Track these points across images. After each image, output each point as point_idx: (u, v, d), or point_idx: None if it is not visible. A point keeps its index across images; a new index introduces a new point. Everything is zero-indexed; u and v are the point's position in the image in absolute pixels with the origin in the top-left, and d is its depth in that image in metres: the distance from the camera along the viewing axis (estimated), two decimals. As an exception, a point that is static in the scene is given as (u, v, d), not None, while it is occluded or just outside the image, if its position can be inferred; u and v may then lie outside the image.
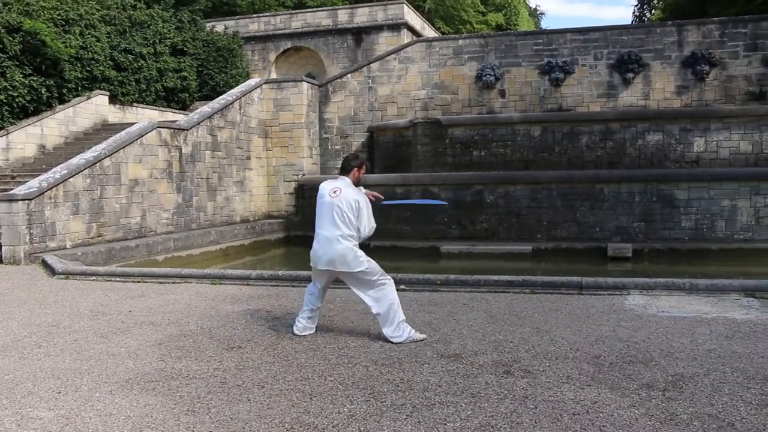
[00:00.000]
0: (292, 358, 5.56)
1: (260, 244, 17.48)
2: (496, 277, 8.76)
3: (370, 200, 6.36)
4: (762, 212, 13.63)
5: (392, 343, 5.97)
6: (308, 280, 9.28)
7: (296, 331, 6.35)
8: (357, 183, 6.40)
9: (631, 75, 18.88)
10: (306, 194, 18.72)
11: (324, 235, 6.19)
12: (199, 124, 16.18)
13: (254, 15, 32.53)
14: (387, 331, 6.04)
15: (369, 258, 6.26)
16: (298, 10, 32.74)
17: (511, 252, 13.86)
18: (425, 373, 5.11)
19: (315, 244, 6.31)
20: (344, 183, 6.28)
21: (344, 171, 6.44)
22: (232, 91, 18.86)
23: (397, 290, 8.56)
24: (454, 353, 5.64)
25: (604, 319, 6.85)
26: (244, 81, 21.48)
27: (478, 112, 19.48)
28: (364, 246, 15.94)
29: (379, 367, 5.26)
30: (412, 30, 30.04)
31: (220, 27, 28.58)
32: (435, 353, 5.65)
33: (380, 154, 19.40)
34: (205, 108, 17.13)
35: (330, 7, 32.24)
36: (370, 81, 20.51)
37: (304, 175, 19.09)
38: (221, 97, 18.22)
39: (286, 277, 9.62)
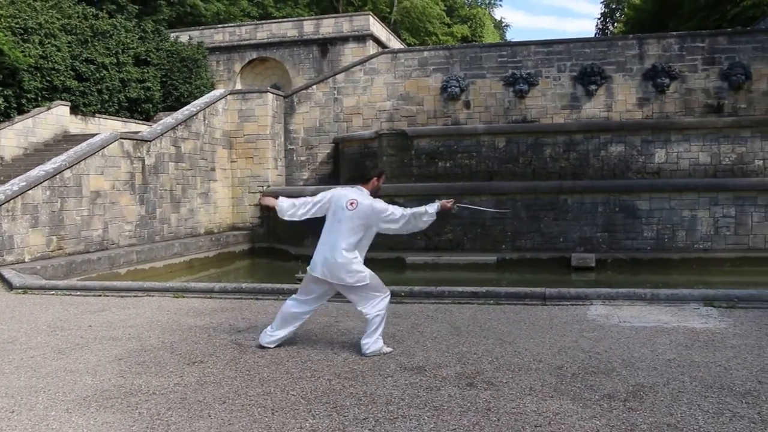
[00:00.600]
0: (254, 372, 5.50)
1: (225, 256, 17.33)
2: (460, 289, 8.78)
3: (447, 209, 6.22)
4: (720, 222, 13.87)
5: (361, 353, 5.96)
6: (272, 292, 9.25)
7: (263, 343, 6.30)
8: (375, 192, 6.38)
9: (593, 87, 19.14)
10: (271, 205, 18.58)
11: (330, 243, 6.13)
12: (162, 135, 16.03)
13: (219, 25, 32.35)
14: (364, 340, 6.03)
15: (372, 273, 6.21)
16: (263, 21, 32.62)
17: (476, 263, 13.91)
18: (388, 386, 5.09)
19: (319, 251, 6.25)
20: (362, 194, 6.22)
21: (364, 180, 6.41)
22: (196, 101, 18.72)
23: (362, 302, 8.57)
24: (417, 366, 5.63)
25: (567, 329, 6.90)
26: (209, 92, 21.36)
27: (444, 124, 19.58)
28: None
29: (342, 381, 5.23)
30: (377, 41, 30.12)
31: (184, 37, 28.36)
32: (398, 366, 5.63)
33: (346, 165, 19.38)
34: (169, 119, 16.97)
35: (296, 18, 32.19)
36: (335, 92, 20.50)
37: (269, 186, 18.99)
38: (185, 107, 18.07)
39: (249, 289, 9.54)
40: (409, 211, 6.15)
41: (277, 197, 6.59)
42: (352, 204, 6.11)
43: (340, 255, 6.03)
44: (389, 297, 6.27)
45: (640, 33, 24.04)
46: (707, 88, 18.71)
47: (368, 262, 15.39)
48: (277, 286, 9.57)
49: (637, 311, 7.80)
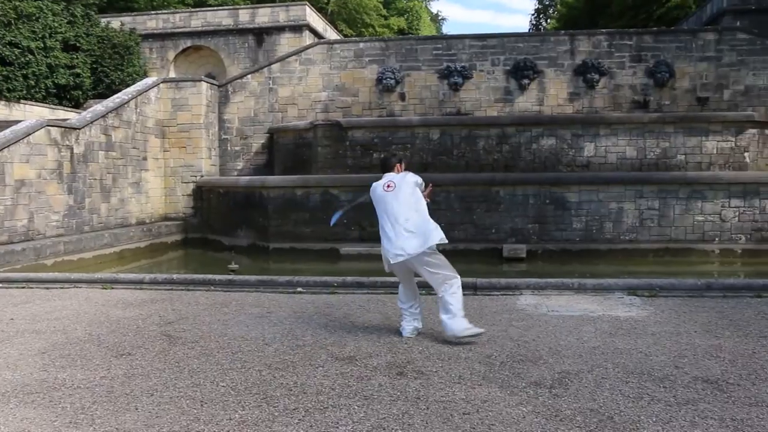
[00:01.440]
0: (183, 364, 5.45)
1: (157, 247, 17.03)
2: (392, 279, 8.82)
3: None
4: (645, 214, 14.32)
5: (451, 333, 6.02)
6: (204, 283, 9.16)
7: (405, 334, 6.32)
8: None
9: (526, 81, 19.46)
10: (205, 196, 18.38)
11: (391, 227, 6.17)
12: (92, 123, 15.60)
13: (152, 12, 31.66)
14: (445, 319, 6.08)
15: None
16: (198, 9, 32.07)
17: (410, 253, 14.00)
18: (319, 376, 5.11)
19: (385, 241, 6.26)
20: (393, 176, 6.39)
21: (387, 168, 6.55)
22: (128, 89, 18.28)
23: (294, 293, 8.60)
24: (348, 355, 5.67)
25: (497, 318, 7.04)
26: (142, 79, 20.88)
27: (379, 115, 19.62)
28: (264, 248, 15.77)
29: (273, 371, 5.23)
30: (314, 32, 29.96)
31: (116, 23, 27.65)
32: (329, 356, 5.66)
33: (280, 155, 19.26)
34: (99, 107, 16.53)
35: (231, 7, 31.72)
36: (270, 82, 20.32)
37: (202, 176, 18.73)
38: (116, 95, 17.62)
39: (181, 280, 9.41)
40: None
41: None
42: (389, 186, 6.27)
43: (405, 228, 6.09)
44: (459, 281, 6.29)
45: (571, 29, 24.58)
46: (634, 85, 19.26)
47: (302, 253, 15.35)
48: (209, 276, 9.47)
49: (564, 300, 8.01)
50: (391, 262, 6.17)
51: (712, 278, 9.67)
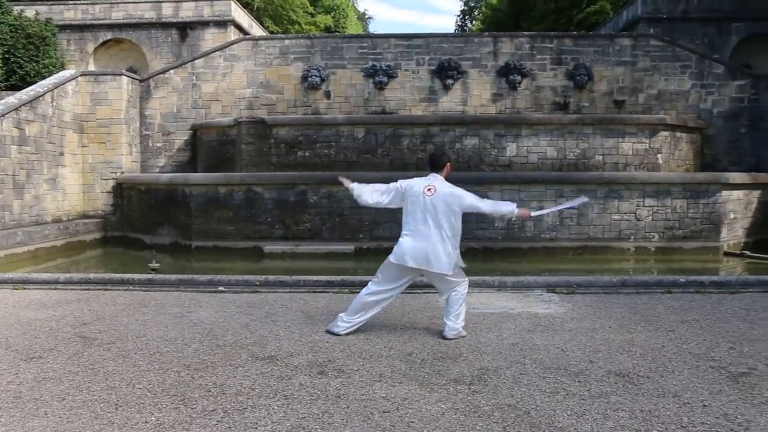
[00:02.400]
0: (98, 367, 5.29)
1: (74, 245, 16.48)
2: (315, 278, 8.83)
3: (525, 217, 6.52)
4: (565, 213, 14.67)
5: (443, 336, 6.20)
6: (122, 283, 8.92)
7: (339, 331, 6.27)
8: (447, 178, 6.41)
9: (450, 81, 19.68)
10: (125, 193, 17.91)
11: (422, 232, 6.03)
12: (3, 116, 14.97)
13: (70, 2, 30.55)
14: (448, 323, 6.25)
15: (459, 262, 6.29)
16: (119, 0, 31.17)
17: (334, 252, 14.01)
18: (239, 376, 5.05)
19: (408, 241, 6.09)
20: (437, 180, 6.20)
21: (437, 167, 6.34)
22: (43, 82, 17.61)
23: (216, 292, 8.48)
24: (269, 355, 5.62)
25: (419, 317, 7.10)
26: (59, 72, 20.16)
27: (304, 113, 19.51)
28: (186, 246, 15.50)
29: (191, 372, 5.14)
30: (239, 27, 29.54)
31: (30, 12, 26.55)
32: (250, 356, 5.60)
33: (204, 153, 18.93)
34: (12, 99, 15.87)
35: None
36: (194, 78, 19.94)
37: (123, 173, 18.24)
38: (31, 87, 16.96)
39: (98, 280, 9.16)
40: (491, 201, 6.42)
41: (352, 180, 6.59)
42: (429, 190, 6.11)
43: (438, 242, 6.03)
44: (467, 283, 6.47)
45: (495, 31, 25.00)
46: (555, 87, 19.73)
47: (225, 251, 15.15)
48: (128, 276, 9.24)
49: (485, 298, 8.15)
50: (408, 265, 6.13)
51: (626, 275, 10.04)
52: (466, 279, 6.46)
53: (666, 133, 17.12)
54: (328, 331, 6.33)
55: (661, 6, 24.40)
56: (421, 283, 8.66)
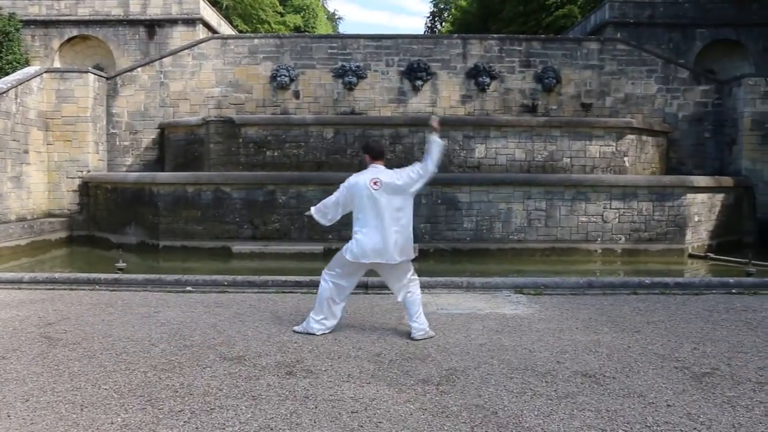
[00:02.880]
0: (63, 367, 5.21)
1: (39, 245, 16.23)
2: (283, 278, 8.80)
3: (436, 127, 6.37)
4: (533, 215, 14.81)
5: (412, 337, 6.16)
6: (88, 282, 8.80)
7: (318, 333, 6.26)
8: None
9: (420, 83, 19.74)
10: (92, 192, 17.67)
11: (376, 227, 6.04)
12: (-35, 113, 14.71)
13: (34, -3, 30.09)
14: (413, 324, 6.24)
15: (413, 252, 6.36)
16: (84, -4, 30.73)
17: (303, 252, 13.97)
18: (206, 376, 5.01)
19: (364, 239, 6.08)
20: (382, 172, 6.20)
21: (380, 158, 6.35)
22: (6, 78, 17.32)
23: (183, 292, 8.40)
24: (237, 355, 5.59)
25: (387, 317, 7.11)
26: (22, 68, 19.84)
27: (273, 113, 19.42)
28: (153, 246, 15.28)
29: (158, 373, 5.08)
30: (208, 26, 29.29)
31: (-7, 7, 26.14)
32: (218, 356, 5.56)
33: (171, 152, 18.74)
34: (-26, 95, 15.60)
35: (120, -4, 30.56)
36: (162, 76, 19.75)
37: (89, 171, 18.00)
38: (-7, 84, 16.69)
39: (63, 279, 9.03)
40: (422, 163, 6.26)
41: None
42: (375, 183, 6.09)
43: (393, 234, 6.05)
44: (419, 282, 6.50)
45: (465, 33, 25.12)
46: (523, 89, 19.90)
47: (193, 251, 15.01)
48: (94, 275, 9.12)
49: (454, 299, 8.19)
50: (365, 261, 6.16)
51: (593, 277, 10.13)
52: (417, 278, 6.49)
53: (632, 137, 17.35)
54: (296, 331, 6.32)
55: (628, 11, 24.71)
56: (390, 284, 8.70)
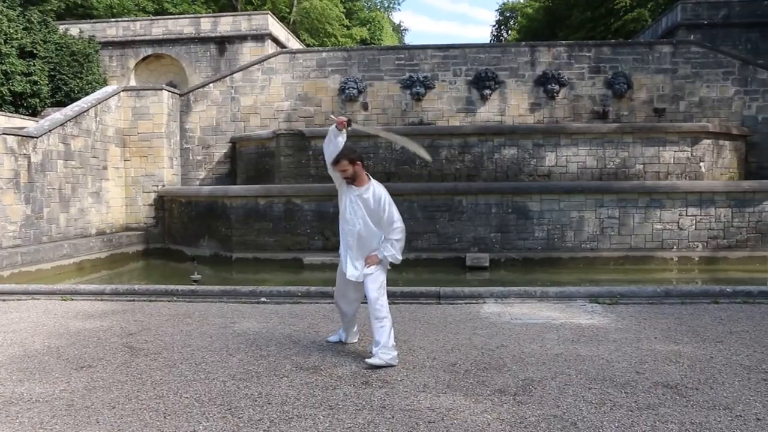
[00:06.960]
0: (146, 376, 5.37)
1: (118, 258, 16.78)
2: (357, 289, 8.83)
3: (341, 124, 6.13)
4: (606, 223, 14.54)
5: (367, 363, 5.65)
6: (166, 294, 9.05)
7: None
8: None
9: (488, 91, 19.63)
10: (166, 206, 18.18)
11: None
12: (50, 131, 15.34)
13: (112, 19, 31.27)
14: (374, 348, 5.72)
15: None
16: (159, 17, 31.78)
17: (374, 263, 14.00)
18: (284, 386, 5.08)
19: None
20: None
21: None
22: (87, 97, 18.03)
23: (258, 303, 8.55)
24: (313, 365, 5.64)
25: (461, 327, 7.07)
26: (101, 88, 20.61)
27: (342, 125, 19.60)
28: (226, 258, 15.58)
29: (237, 382, 5.18)
30: (276, 41, 29.90)
31: (74, 30, 27.27)
32: (294, 366, 5.63)
33: (243, 165, 19.14)
34: (58, 115, 16.26)
35: (192, 15, 31.52)
36: (233, 91, 20.21)
37: (164, 186, 18.53)
38: (75, 103, 17.37)
39: (142, 291, 9.28)
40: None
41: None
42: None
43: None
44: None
45: (532, 41, 24.91)
46: (593, 95, 19.57)
47: (266, 263, 15.23)
48: (171, 287, 9.35)
49: (527, 309, 8.08)
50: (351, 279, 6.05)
51: (670, 285, 9.88)
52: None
53: (708, 141, 16.84)
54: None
55: (702, 12, 24.08)
56: (462, 294, 8.67)
